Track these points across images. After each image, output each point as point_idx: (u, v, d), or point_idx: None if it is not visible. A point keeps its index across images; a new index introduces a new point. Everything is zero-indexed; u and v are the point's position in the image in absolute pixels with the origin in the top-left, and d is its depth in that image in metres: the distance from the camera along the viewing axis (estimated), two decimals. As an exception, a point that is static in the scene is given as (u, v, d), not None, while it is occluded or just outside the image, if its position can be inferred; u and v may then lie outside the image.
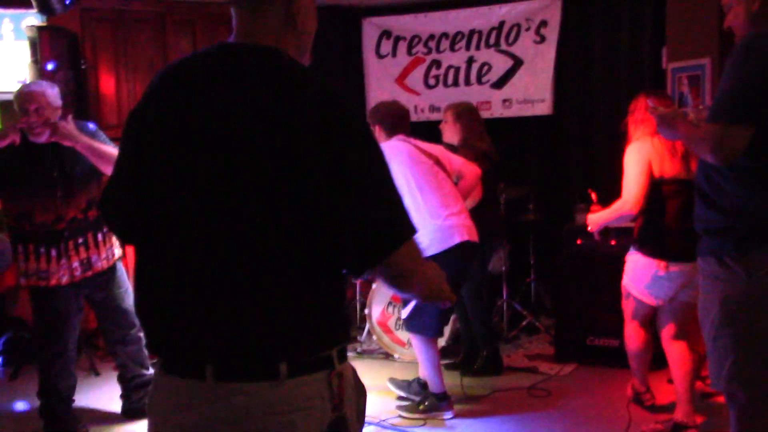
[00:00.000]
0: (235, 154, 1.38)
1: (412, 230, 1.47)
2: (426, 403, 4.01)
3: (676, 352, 3.65)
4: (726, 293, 2.25)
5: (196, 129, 1.42)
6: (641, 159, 3.52)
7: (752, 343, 2.23)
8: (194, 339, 1.43)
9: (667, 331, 3.70)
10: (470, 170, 4.22)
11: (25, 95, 3.63)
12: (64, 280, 3.74)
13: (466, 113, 4.78)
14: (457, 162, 4.20)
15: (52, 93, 3.69)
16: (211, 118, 1.41)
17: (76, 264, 3.75)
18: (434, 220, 3.87)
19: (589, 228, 3.87)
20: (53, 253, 3.70)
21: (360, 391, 1.57)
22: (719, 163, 2.22)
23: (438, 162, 4.01)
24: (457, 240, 3.86)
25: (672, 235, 3.51)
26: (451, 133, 4.76)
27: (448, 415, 3.99)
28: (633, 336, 3.83)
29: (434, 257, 3.82)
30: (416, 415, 3.99)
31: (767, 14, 2.30)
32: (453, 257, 3.85)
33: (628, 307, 3.82)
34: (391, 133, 4.03)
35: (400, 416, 4.02)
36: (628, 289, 3.76)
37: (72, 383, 3.93)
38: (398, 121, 4.09)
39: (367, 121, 4.08)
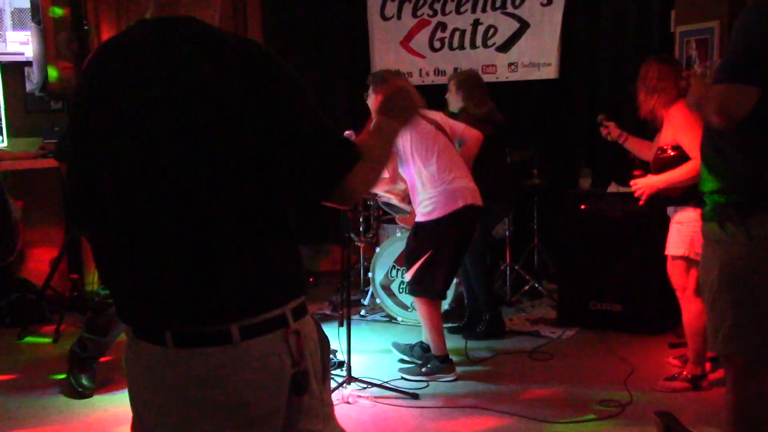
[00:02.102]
0: (163, 124, 1.41)
1: (356, 157, 1.48)
2: (428, 366, 4.04)
3: None
4: (726, 257, 2.26)
5: (123, 105, 1.46)
6: (695, 116, 3.28)
7: (750, 306, 2.24)
8: (151, 308, 1.48)
9: None
10: (471, 135, 4.26)
11: None
12: None
13: (466, 81, 4.81)
14: (458, 127, 4.25)
15: None
16: (136, 92, 1.44)
17: None
18: (438, 183, 3.90)
19: (638, 193, 3.65)
20: None
21: (323, 344, 1.61)
22: (723, 124, 2.18)
23: (439, 127, 4.03)
24: (461, 204, 3.88)
25: None
26: (455, 102, 4.82)
27: (449, 377, 4.02)
28: (701, 311, 3.23)
29: (439, 220, 3.87)
30: (418, 378, 4.03)
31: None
32: (457, 220, 3.89)
33: (691, 280, 3.56)
34: None
35: (403, 378, 4.06)
36: (692, 256, 3.48)
37: (117, 334, 3.91)
38: None
39: (370, 85, 4.10)
